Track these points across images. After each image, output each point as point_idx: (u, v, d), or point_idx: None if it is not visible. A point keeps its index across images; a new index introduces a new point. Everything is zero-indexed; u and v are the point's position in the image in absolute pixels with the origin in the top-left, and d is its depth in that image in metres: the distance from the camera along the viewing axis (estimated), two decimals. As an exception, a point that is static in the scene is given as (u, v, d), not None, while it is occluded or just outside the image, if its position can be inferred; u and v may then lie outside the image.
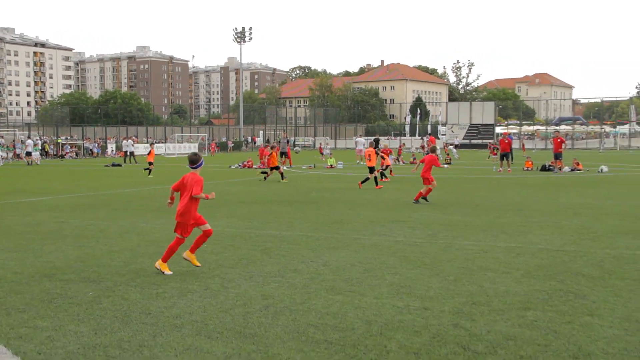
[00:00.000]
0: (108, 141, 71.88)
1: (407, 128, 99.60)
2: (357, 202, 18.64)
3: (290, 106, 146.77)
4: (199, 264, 9.23)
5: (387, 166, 27.23)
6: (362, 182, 23.13)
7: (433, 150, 18.72)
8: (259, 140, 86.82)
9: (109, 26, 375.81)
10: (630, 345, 5.83)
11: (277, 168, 26.86)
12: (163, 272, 8.87)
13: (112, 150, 67.13)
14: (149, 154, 33.16)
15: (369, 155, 23.52)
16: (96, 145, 68.24)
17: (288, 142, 38.18)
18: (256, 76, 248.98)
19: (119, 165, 44.19)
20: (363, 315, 6.83)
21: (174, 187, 9.40)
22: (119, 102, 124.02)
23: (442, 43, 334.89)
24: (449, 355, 5.62)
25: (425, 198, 17.96)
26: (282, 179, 26.80)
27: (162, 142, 76.46)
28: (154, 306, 7.24)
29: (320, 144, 61.61)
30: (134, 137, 73.11)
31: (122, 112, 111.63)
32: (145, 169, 32.50)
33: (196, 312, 7.00)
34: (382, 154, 26.31)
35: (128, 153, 49.50)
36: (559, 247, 10.89)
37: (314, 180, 27.25)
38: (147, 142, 75.37)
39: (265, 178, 27.33)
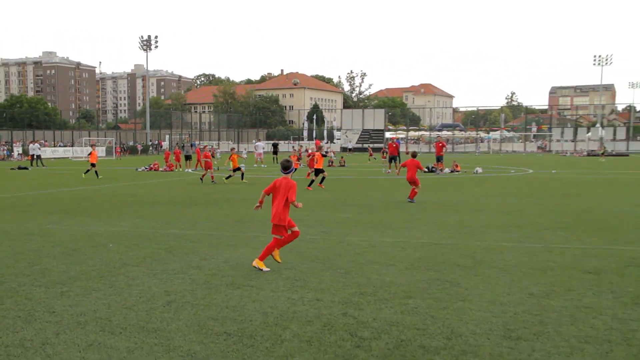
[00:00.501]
0: (14, 145, 68.24)
1: (305, 133, 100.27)
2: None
3: (195, 112, 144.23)
4: (280, 260, 9.20)
5: (295, 168, 27.37)
6: (321, 182, 23.64)
7: (414, 155, 19.06)
8: (165, 144, 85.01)
9: (14, 30, 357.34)
10: (495, 326, 6.15)
11: (238, 169, 27.10)
12: (261, 269, 8.78)
13: (19, 154, 63.80)
14: (90, 155, 31.51)
15: (316, 159, 23.93)
16: (4, 148, 64.68)
17: (192, 145, 37.60)
18: (162, 83, 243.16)
19: (26, 168, 42.11)
20: (260, 308, 6.85)
21: (267, 191, 9.24)
22: (25, 107, 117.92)
23: (338, 54, 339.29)
24: (338, 341, 5.74)
25: (412, 200, 18.29)
26: (205, 179, 27.30)
27: (70, 146, 73.58)
28: (59, 305, 6.97)
29: (212, 147, 61.02)
30: (41, 141, 69.81)
31: (29, 117, 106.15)
32: (86, 172, 30.93)
33: (100, 309, 6.81)
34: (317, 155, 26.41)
35: (35, 156, 47.24)
36: (438, 241, 11.31)
37: (217, 182, 26.96)
38: (55, 146, 72.42)
39: (228, 177, 27.19)
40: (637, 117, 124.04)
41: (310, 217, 14.94)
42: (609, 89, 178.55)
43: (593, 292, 7.50)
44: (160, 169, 38.33)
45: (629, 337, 5.77)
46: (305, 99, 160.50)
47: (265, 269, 8.80)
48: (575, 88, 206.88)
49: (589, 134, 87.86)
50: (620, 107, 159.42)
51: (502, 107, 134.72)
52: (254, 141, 70.26)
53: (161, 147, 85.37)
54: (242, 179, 27.52)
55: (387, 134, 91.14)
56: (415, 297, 7.30)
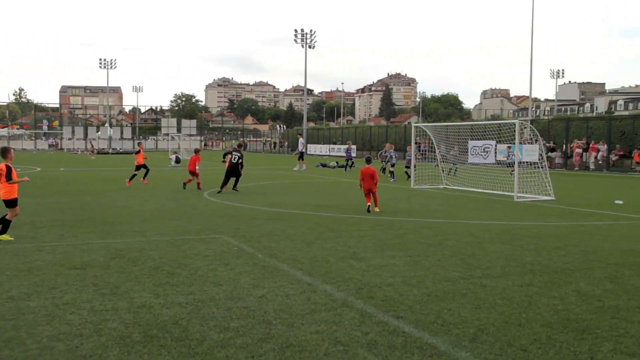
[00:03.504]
0: None
1: None
2: None
3: None
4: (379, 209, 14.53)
5: None
6: None
7: (197, 151, 22.16)
8: None
9: None
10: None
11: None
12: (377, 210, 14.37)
13: None
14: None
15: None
16: None
17: None
18: None
19: None
20: None
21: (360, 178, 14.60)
22: None
23: None
24: None
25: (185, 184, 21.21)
26: None
27: None
28: None
29: None
30: None
31: None
32: None
33: None
34: None
35: None
36: None
37: None
38: None
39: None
40: (142, 119, 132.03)
41: None
42: (117, 91, 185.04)
43: (76, 287, 7.40)
44: None
45: (100, 328, 5.81)
46: None
47: (378, 209, 14.41)
48: (85, 88, 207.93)
49: (99, 132, 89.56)
50: (127, 109, 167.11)
51: (9, 103, 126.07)
52: None
53: None
54: None
55: None
56: None
